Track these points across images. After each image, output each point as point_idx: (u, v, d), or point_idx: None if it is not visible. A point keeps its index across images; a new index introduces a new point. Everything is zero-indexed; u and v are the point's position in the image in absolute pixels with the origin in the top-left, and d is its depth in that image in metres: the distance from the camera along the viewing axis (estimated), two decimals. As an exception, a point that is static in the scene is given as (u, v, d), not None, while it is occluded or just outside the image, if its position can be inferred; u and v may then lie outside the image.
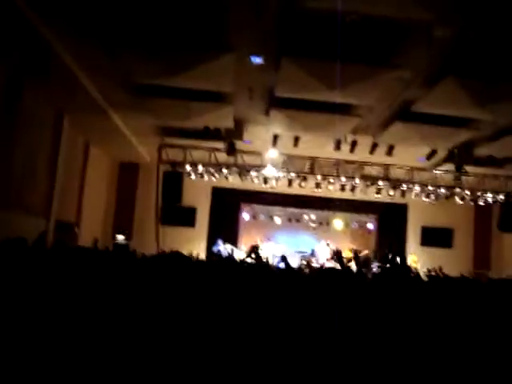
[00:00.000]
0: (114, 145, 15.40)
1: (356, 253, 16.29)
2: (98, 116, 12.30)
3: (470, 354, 3.44)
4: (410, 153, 14.13)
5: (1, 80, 9.59)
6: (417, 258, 17.19)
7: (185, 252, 6.20)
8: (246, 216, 19.85)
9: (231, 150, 14.15)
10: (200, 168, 15.49)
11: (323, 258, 16.89)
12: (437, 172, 15.87)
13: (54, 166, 12.23)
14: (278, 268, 6.31)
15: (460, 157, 13.75)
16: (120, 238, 16.77)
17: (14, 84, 9.98)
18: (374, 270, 15.83)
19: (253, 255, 7.34)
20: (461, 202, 16.67)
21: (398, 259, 13.27)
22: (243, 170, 15.63)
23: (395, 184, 16.12)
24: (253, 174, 15.74)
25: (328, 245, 17.98)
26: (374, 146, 13.62)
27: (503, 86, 9.04)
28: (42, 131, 11.60)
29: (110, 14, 7.63)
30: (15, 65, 9.55)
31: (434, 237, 19.04)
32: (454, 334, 3.71)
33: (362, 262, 15.70)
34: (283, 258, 5.94)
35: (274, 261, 15.19)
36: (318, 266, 15.87)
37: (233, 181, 16.18)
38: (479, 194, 16.19)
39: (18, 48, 8.73)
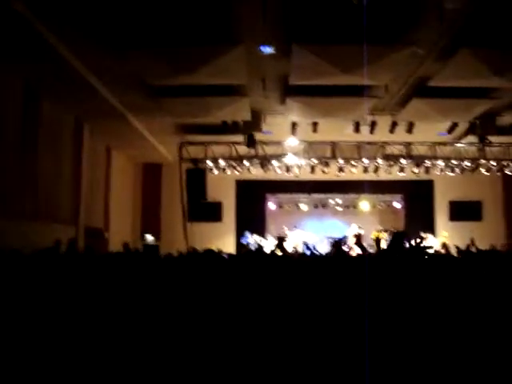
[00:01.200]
0: (136, 147, 15.53)
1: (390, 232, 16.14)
2: (116, 121, 12.43)
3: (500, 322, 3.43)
4: (430, 128, 13.98)
5: (19, 94, 9.77)
6: (447, 234, 17.02)
7: (214, 247, 6.27)
8: (271, 206, 19.86)
9: (251, 142, 14.15)
10: (222, 162, 15.52)
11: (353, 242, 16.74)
12: (460, 145, 15.66)
13: (78, 173, 12.42)
14: (304, 255, 6.32)
15: (482, 127, 13.55)
16: (149, 238, 16.93)
17: (32, 97, 10.14)
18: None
19: (279, 246, 7.31)
20: (487, 174, 16.40)
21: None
22: (265, 161, 15.61)
23: (418, 161, 15.93)
24: (275, 163, 15.71)
25: (360, 227, 17.88)
26: (393, 125, 13.49)
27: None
28: (63, 141, 11.79)
29: (118, 19, 7.69)
30: (31, 78, 9.69)
31: (462, 211, 18.76)
32: (488, 307, 3.70)
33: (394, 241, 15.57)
34: (307, 246, 5.95)
35: (303, 248, 15.18)
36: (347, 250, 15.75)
37: (256, 172, 16.16)
38: (505, 163, 15.90)
39: (32, 61, 8.85)
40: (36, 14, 7.48)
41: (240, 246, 16.97)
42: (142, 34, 8.13)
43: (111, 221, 15.12)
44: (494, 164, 15.93)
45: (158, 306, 3.70)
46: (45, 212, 10.60)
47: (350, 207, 20.21)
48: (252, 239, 16.61)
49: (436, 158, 15.86)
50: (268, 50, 9.02)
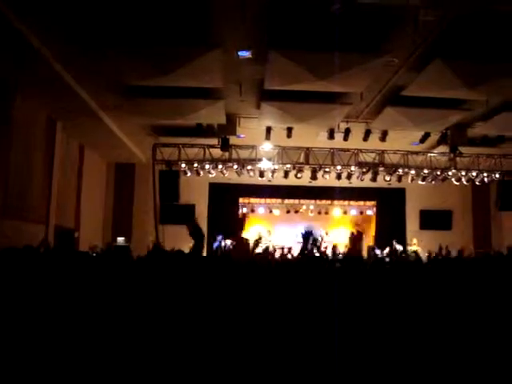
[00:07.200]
0: (109, 147, 15.39)
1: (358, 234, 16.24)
2: (90, 120, 12.30)
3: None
4: (403, 137, 14.16)
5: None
6: (416, 241, 17.23)
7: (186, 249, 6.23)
8: (244, 210, 19.85)
9: (225, 146, 14.16)
10: (195, 165, 15.46)
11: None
12: (431, 155, 15.88)
13: (49, 172, 12.23)
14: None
15: (453, 138, 13.77)
16: (120, 239, 16.75)
17: (5, 94, 9.97)
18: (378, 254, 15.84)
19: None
20: (457, 183, 16.67)
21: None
22: (239, 165, 15.60)
23: (391, 169, 16.11)
24: (248, 168, 15.72)
25: (327, 234, 17.98)
26: (367, 133, 13.62)
27: (492, 65, 9.06)
28: (35, 138, 11.59)
29: (96, 17, 7.64)
30: (4, 74, 9.54)
31: (433, 219, 19.03)
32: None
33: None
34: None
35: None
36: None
37: (229, 176, 16.16)
38: (475, 174, 16.18)
39: (6, 57, 8.72)
40: (13, 10, 7.39)
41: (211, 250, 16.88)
42: (119, 33, 8.07)
43: (82, 220, 14.95)
44: (464, 174, 16.22)
45: (127, 304, 3.67)
46: (14, 210, 10.43)
47: (323, 213, 20.34)
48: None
49: (408, 166, 16.06)
50: (245, 54, 9.05)
